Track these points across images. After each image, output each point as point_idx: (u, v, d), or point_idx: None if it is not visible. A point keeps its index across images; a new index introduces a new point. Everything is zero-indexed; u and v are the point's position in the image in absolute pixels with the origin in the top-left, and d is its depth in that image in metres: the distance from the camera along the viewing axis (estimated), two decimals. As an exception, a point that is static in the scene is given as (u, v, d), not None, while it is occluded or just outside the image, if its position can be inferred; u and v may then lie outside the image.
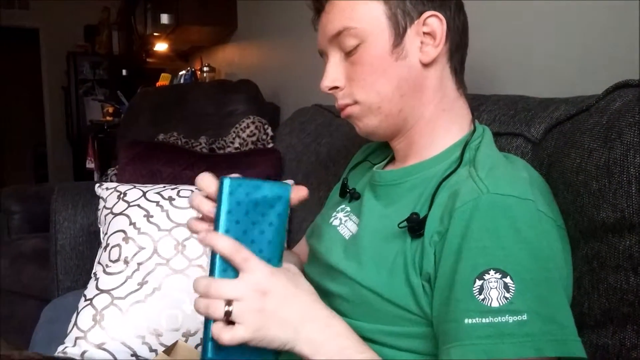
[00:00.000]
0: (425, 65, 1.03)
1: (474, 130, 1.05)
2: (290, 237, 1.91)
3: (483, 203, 0.84)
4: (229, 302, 0.80)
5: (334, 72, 1.08)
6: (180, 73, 4.44)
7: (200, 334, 1.52)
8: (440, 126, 1.06)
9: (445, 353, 0.81)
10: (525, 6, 1.43)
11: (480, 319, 0.79)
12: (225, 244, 0.81)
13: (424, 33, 1.02)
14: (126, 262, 1.64)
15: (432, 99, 1.05)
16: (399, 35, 1.01)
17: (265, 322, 0.81)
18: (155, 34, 4.56)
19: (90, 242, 2.23)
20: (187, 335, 1.53)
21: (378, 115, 1.06)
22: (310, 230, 1.31)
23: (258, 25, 3.51)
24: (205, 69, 4.16)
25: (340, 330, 0.87)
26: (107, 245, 1.72)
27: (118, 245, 1.68)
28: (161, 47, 4.93)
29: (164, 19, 4.05)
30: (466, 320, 0.80)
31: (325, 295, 1.02)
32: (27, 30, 7.81)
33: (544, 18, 1.38)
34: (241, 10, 3.80)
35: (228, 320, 0.80)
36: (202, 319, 1.36)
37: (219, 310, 0.80)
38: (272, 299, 0.82)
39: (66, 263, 2.21)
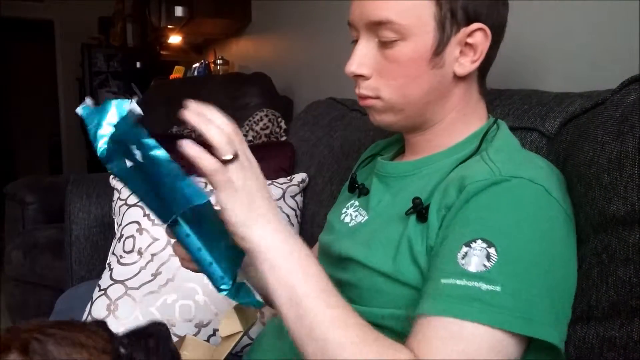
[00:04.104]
0: (458, 77, 1.01)
1: (494, 122, 1.05)
2: (303, 230, 1.91)
3: (493, 182, 0.86)
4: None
5: (363, 58, 1.01)
6: (194, 66, 4.44)
7: (213, 325, 1.54)
8: (458, 127, 1.06)
9: (416, 308, 0.84)
10: (539, 2, 1.42)
11: (455, 280, 0.80)
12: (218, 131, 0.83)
13: (466, 44, 0.99)
14: (140, 253, 1.66)
15: (455, 106, 1.04)
16: (441, 43, 0.97)
17: (240, 188, 0.82)
18: (169, 26, 4.56)
19: (104, 232, 2.25)
20: (199, 326, 1.54)
21: (398, 115, 1.04)
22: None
23: (272, 18, 3.51)
24: (219, 61, 4.16)
25: (296, 238, 0.87)
26: (122, 236, 1.73)
27: (132, 236, 1.70)
28: (175, 39, 4.93)
29: (178, 11, 4.05)
30: (442, 280, 0.82)
31: (335, 285, 1.03)
32: (41, 22, 7.83)
33: (557, 13, 1.38)
34: (255, 3, 3.80)
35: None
36: (214, 309, 1.36)
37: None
38: (254, 172, 0.84)
39: (80, 253, 2.23)
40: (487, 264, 0.80)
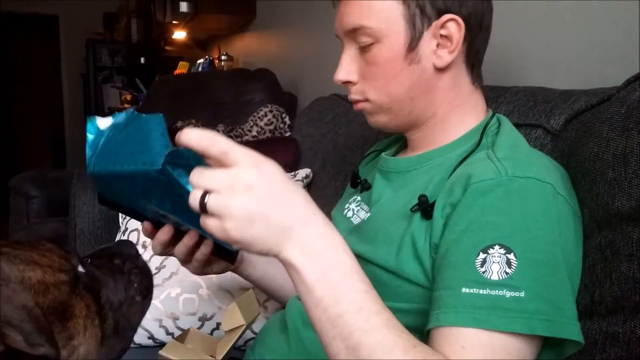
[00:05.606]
0: (439, 69, 1.02)
1: (492, 116, 1.06)
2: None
3: (500, 183, 0.86)
4: (206, 193, 0.73)
5: (348, 66, 1.07)
6: (198, 61, 4.44)
7: (216, 318, 1.54)
8: (453, 120, 1.06)
9: (435, 318, 0.82)
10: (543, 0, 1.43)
11: (477, 290, 0.80)
12: (196, 135, 0.76)
13: (441, 35, 1.00)
14: (144, 246, 1.66)
15: (444, 99, 1.05)
16: (414, 39, 1.00)
17: (245, 220, 0.72)
18: (174, 22, 4.56)
19: (108, 226, 2.25)
20: (203, 320, 1.54)
21: (388, 114, 1.07)
22: None
23: (276, 14, 3.51)
24: (223, 57, 4.15)
25: (337, 242, 0.80)
26: (126, 229, 1.74)
27: (136, 229, 1.71)
28: (180, 35, 4.93)
29: (183, 7, 4.06)
30: (463, 289, 0.80)
31: None
32: (46, 17, 7.85)
33: (563, 10, 1.38)
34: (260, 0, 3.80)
35: (205, 210, 0.73)
36: (218, 303, 1.37)
37: (195, 199, 0.73)
38: (256, 194, 0.73)
39: (85, 247, 2.23)
40: (509, 270, 0.79)
